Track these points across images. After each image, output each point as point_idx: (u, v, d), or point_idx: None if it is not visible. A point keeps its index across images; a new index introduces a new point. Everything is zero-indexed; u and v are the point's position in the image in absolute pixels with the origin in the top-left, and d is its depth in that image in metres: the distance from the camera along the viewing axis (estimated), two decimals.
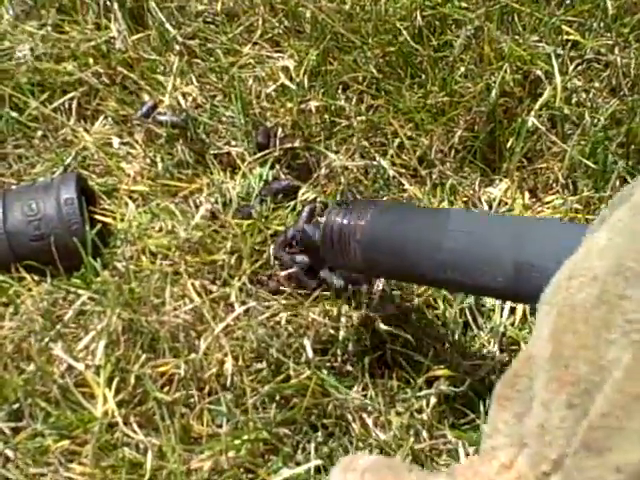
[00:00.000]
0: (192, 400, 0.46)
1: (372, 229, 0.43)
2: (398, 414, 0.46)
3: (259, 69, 0.61)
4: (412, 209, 0.47)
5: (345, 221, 0.44)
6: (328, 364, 0.48)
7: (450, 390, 0.46)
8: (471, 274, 0.40)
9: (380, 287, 0.50)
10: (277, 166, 0.57)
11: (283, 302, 0.50)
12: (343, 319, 0.48)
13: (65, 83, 0.59)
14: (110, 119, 0.59)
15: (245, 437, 0.44)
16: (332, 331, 0.48)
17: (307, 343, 0.47)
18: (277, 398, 0.46)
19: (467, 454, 0.44)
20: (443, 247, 0.41)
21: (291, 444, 0.45)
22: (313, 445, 0.45)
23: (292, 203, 0.54)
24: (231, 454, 0.44)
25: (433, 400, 0.46)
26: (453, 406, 0.47)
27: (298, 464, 0.45)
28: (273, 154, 0.56)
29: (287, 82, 0.59)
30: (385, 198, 0.56)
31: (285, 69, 0.61)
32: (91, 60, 0.59)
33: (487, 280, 0.40)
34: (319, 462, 0.43)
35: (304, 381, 0.46)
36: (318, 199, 0.55)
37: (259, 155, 0.56)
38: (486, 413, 0.45)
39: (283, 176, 0.56)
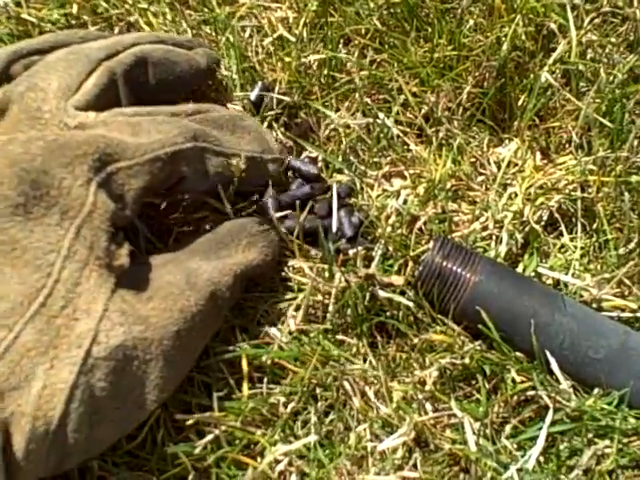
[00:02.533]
0: None
1: (485, 288, 0.45)
2: (400, 383, 0.44)
3: (256, 21, 0.58)
4: (524, 279, 0.47)
5: (455, 268, 0.45)
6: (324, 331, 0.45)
7: (450, 361, 0.43)
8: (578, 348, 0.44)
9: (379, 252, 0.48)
10: (275, 125, 0.54)
11: None
12: (337, 281, 0.46)
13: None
14: None
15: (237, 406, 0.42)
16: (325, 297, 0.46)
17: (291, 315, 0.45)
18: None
19: (473, 431, 0.41)
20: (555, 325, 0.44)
21: (290, 415, 0.43)
22: (313, 418, 0.43)
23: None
24: (223, 427, 0.42)
25: (435, 372, 0.44)
26: (453, 377, 0.44)
27: (297, 437, 0.43)
28: (270, 112, 0.53)
29: (286, 34, 0.55)
30: (389, 158, 0.53)
31: (284, 20, 0.57)
32: (75, 7, 0.56)
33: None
34: (315, 438, 0.41)
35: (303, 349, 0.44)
36: (320, 157, 0.52)
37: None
38: (484, 386, 0.43)
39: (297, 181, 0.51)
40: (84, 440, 0.35)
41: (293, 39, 0.55)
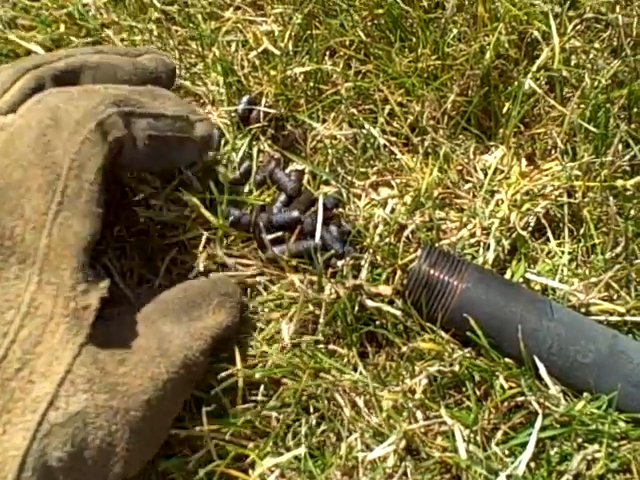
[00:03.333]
0: None
1: (473, 295, 0.45)
2: (390, 392, 0.44)
3: (241, 35, 0.58)
4: (511, 285, 0.47)
5: (443, 276, 0.45)
6: (315, 343, 0.46)
7: (439, 369, 0.44)
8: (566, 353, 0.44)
9: (367, 261, 0.48)
10: (262, 137, 0.54)
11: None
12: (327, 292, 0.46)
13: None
14: None
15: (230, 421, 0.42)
16: (316, 308, 0.46)
17: (285, 327, 0.46)
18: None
19: (464, 438, 0.41)
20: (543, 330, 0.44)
21: (282, 427, 0.43)
22: (304, 429, 0.43)
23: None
24: (215, 441, 0.42)
25: (424, 381, 0.44)
26: (442, 385, 0.44)
27: (288, 449, 0.43)
28: (257, 125, 0.54)
29: (271, 47, 0.56)
30: (376, 168, 0.53)
31: (269, 34, 0.58)
32: (62, 27, 0.56)
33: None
34: (304, 450, 0.41)
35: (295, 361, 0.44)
36: (307, 169, 0.52)
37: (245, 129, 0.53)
38: (474, 393, 0.43)
39: (280, 205, 0.50)
40: None
41: (278, 52, 0.56)
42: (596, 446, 0.42)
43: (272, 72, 0.55)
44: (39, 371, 0.34)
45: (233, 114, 0.54)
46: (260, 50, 0.56)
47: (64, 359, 0.34)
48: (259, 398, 0.44)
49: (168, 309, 0.41)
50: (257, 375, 0.44)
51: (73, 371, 0.34)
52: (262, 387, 0.44)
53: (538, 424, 0.42)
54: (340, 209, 0.50)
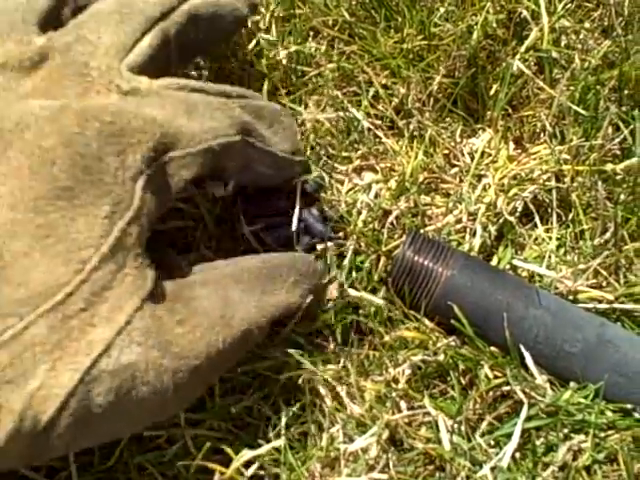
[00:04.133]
0: None
1: (458, 282, 0.44)
2: (373, 382, 0.43)
3: None
4: (497, 272, 0.46)
5: (427, 263, 0.44)
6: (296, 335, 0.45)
7: (423, 358, 0.43)
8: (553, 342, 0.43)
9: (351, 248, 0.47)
10: None
11: None
12: None
13: None
14: None
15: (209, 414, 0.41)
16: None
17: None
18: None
19: (447, 429, 0.40)
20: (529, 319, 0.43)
21: (262, 419, 0.42)
22: (284, 421, 0.42)
23: None
24: (192, 432, 0.41)
25: (408, 370, 0.43)
26: (426, 374, 0.43)
27: (269, 441, 0.42)
28: None
29: (263, 36, 0.54)
30: (360, 152, 0.52)
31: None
32: None
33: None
34: (282, 442, 0.40)
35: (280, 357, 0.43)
36: None
37: None
38: (459, 383, 0.43)
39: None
40: (63, 447, 0.33)
41: (265, 39, 0.54)
42: (582, 436, 0.41)
43: (262, 61, 0.54)
44: (102, 315, 0.33)
45: None
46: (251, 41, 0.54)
47: (126, 309, 0.34)
48: (239, 389, 0.43)
49: (243, 277, 0.39)
50: (240, 369, 0.43)
51: (132, 322, 0.34)
52: (242, 378, 0.43)
53: (523, 414, 0.41)
54: (322, 194, 0.49)
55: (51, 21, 0.41)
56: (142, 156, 0.36)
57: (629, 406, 0.42)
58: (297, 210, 0.45)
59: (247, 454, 0.39)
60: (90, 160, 0.34)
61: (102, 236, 0.34)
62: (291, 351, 0.43)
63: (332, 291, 0.45)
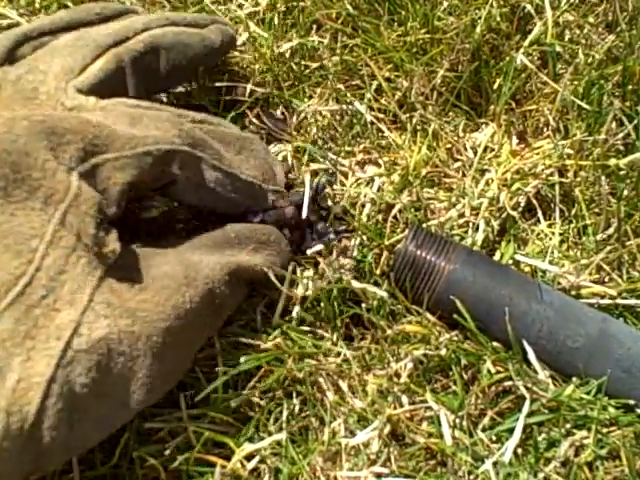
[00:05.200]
0: None
1: (460, 277, 0.44)
2: (375, 376, 0.43)
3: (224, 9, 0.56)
4: (500, 267, 0.46)
5: (430, 257, 0.44)
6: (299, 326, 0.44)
7: (425, 352, 0.43)
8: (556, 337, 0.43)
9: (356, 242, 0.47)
10: (249, 114, 0.52)
11: None
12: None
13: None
14: None
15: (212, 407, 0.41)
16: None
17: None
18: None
19: (449, 424, 0.40)
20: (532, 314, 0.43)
21: (263, 412, 0.42)
22: (286, 414, 0.42)
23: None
24: (194, 425, 0.41)
25: (410, 364, 0.43)
26: (428, 369, 0.43)
27: (270, 434, 0.42)
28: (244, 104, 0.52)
29: (257, 30, 0.54)
30: (363, 146, 0.51)
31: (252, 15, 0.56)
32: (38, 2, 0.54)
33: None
34: (284, 436, 0.40)
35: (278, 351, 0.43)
36: (290, 149, 0.50)
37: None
38: (461, 377, 0.42)
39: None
40: (62, 439, 0.33)
41: (266, 35, 0.54)
42: (585, 432, 0.41)
43: (262, 50, 0.53)
44: (64, 299, 0.34)
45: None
46: (247, 35, 0.54)
47: (86, 289, 0.34)
48: (241, 383, 0.43)
49: (201, 243, 0.41)
50: (241, 359, 0.43)
51: (94, 299, 0.34)
52: (244, 372, 0.43)
53: (525, 409, 0.41)
54: (327, 189, 0.49)
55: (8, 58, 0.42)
56: (72, 155, 0.36)
57: (631, 402, 0.42)
58: (305, 206, 0.45)
59: (248, 447, 0.39)
60: (17, 156, 0.35)
61: (43, 225, 0.34)
62: (292, 344, 0.43)
63: None
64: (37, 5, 0.55)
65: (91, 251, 0.35)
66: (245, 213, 0.45)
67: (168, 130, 0.40)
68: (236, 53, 0.54)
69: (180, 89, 0.52)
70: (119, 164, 0.38)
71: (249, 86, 0.52)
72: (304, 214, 0.45)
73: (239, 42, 0.53)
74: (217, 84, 0.52)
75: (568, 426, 0.41)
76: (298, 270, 0.45)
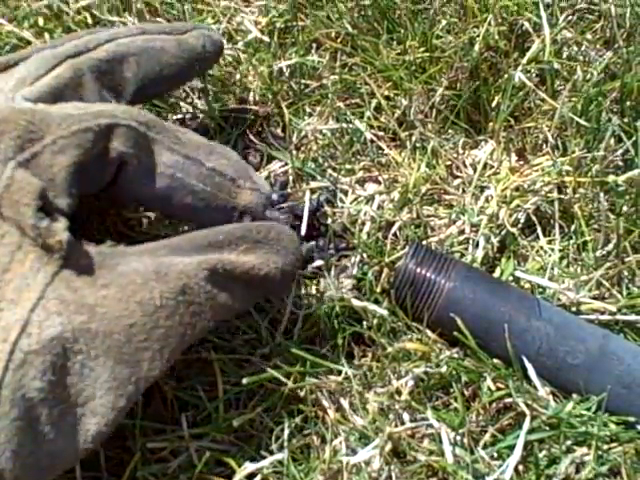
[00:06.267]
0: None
1: (460, 294, 0.44)
2: (376, 394, 0.43)
3: (227, 24, 0.57)
4: (500, 284, 0.46)
5: (430, 275, 0.44)
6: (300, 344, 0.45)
7: (426, 369, 0.43)
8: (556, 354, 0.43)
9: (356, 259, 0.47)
10: (249, 132, 0.53)
11: None
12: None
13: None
14: None
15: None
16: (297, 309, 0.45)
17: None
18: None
19: (450, 441, 0.40)
20: (532, 331, 0.43)
21: (264, 431, 0.42)
22: (287, 433, 0.42)
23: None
24: (196, 444, 0.41)
25: (411, 382, 0.43)
26: (429, 386, 0.43)
27: (271, 453, 0.42)
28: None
29: (259, 35, 0.54)
30: (363, 163, 0.52)
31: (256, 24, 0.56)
32: (41, 20, 0.55)
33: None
34: (284, 455, 0.40)
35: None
36: (290, 168, 0.51)
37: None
38: (461, 395, 0.42)
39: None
40: (24, 455, 0.30)
41: (267, 39, 0.54)
42: (585, 449, 0.41)
43: (260, 67, 0.54)
44: (8, 298, 0.31)
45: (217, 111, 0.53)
46: (249, 38, 0.55)
47: (36, 286, 0.32)
48: (242, 402, 0.43)
49: (181, 246, 0.36)
50: (244, 381, 0.43)
51: (45, 297, 0.32)
52: (245, 390, 0.43)
53: (526, 426, 0.41)
54: (326, 207, 0.49)
55: None
56: (8, 145, 0.34)
57: (632, 419, 0.42)
58: (305, 220, 0.45)
59: (250, 467, 0.39)
60: None
61: None
62: (293, 363, 0.43)
63: None
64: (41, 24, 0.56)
65: (39, 243, 0.32)
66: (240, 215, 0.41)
67: (114, 107, 0.37)
68: (235, 71, 0.54)
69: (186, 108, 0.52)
70: (58, 147, 0.35)
71: (249, 105, 0.52)
72: (303, 231, 0.46)
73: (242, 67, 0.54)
74: (217, 104, 0.53)
75: (569, 443, 0.41)
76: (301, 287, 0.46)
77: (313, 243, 0.47)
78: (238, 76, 0.54)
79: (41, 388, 0.30)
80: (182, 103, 0.54)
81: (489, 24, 0.54)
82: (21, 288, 0.32)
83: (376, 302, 0.46)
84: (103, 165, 0.37)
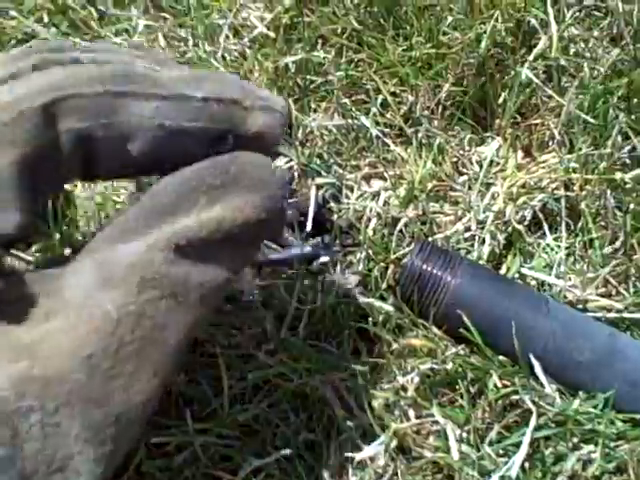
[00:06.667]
0: None
1: (466, 291, 0.44)
2: (381, 390, 0.43)
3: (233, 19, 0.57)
4: (506, 281, 0.46)
5: (436, 271, 0.44)
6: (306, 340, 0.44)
7: (431, 366, 0.43)
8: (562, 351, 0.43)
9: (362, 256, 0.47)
10: None
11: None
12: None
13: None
14: None
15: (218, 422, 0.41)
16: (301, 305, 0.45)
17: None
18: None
19: (456, 438, 0.40)
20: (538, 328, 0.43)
21: (270, 427, 0.42)
22: (292, 429, 0.42)
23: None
24: (201, 439, 0.41)
25: (416, 378, 0.43)
26: (435, 383, 0.43)
27: (277, 448, 0.42)
28: None
29: (265, 30, 0.54)
30: (369, 160, 0.52)
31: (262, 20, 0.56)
32: (45, 16, 0.55)
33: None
34: (289, 451, 0.40)
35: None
36: (295, 164, 0.51)
37: None
38: (467, 391, 0.42)
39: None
40: None
41: (273, 34, 0.54)
42: (592, 446, 0.41)
43: (265, 63, 0.54)
44: None
45: None
46: (255, 34, 0.54)
47: None
48: (247, 397, 0.43)
49: (122, 231, 0.28)
50: (249, 374, 0.43)
51: None
52: (250, 386, 0.43)
53: (532, 423, 0.41)
54: (331, 203, 0.49)
55: None
56: None
57: (638, 416, 0.42)
58: (311, 216, 0.45)
59: (255, 462, 0.39)
60: None
61: None
62: (299, 358, 0.43)
63: None
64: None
65: None
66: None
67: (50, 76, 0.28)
68: (241, 67, 0.54)
69: None
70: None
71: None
72: (309, 227, 0.46)
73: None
74: None
75: (575, 440, 0.41)
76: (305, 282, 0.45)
77: (319, 239, 0.47)
78: (243, 72, 0.54)
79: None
80: None
81: (496, 20, 0.54)
82: None
83: (382, 298, 0.46)
84: (59, 154, 0.28)
